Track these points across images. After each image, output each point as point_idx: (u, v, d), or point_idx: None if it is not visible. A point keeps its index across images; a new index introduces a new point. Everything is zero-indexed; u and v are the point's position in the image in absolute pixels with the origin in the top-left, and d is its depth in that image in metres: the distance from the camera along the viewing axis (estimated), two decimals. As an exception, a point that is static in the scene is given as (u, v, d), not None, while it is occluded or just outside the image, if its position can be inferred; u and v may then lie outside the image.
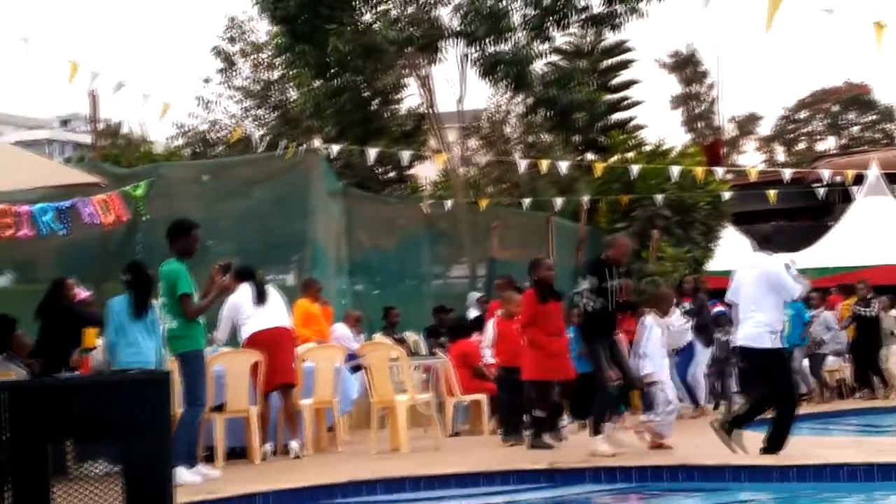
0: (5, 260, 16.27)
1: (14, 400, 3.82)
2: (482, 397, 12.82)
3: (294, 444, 10.76)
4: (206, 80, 30.38)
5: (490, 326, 11.16)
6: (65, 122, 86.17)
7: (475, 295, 16.92)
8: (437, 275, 20.83)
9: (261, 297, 10.94)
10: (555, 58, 26.54)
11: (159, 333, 9.20)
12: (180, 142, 32.23)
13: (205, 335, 9.51)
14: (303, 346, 12.09)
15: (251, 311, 10.88)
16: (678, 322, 12.90)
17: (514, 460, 10.03)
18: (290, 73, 24.16)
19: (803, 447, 9.78)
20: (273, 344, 10.68)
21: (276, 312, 10.98)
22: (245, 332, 10.92)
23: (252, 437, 10.57)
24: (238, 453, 10.80)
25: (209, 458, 10.17)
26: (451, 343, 13.53)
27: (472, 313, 15.53)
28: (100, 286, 14.06)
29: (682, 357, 14.55)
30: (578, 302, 10.37)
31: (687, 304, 14.82)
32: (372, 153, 18.49)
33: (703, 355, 14.87)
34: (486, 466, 9.67)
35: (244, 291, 10.91)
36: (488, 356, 11.05)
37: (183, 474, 8.67)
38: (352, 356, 12.68)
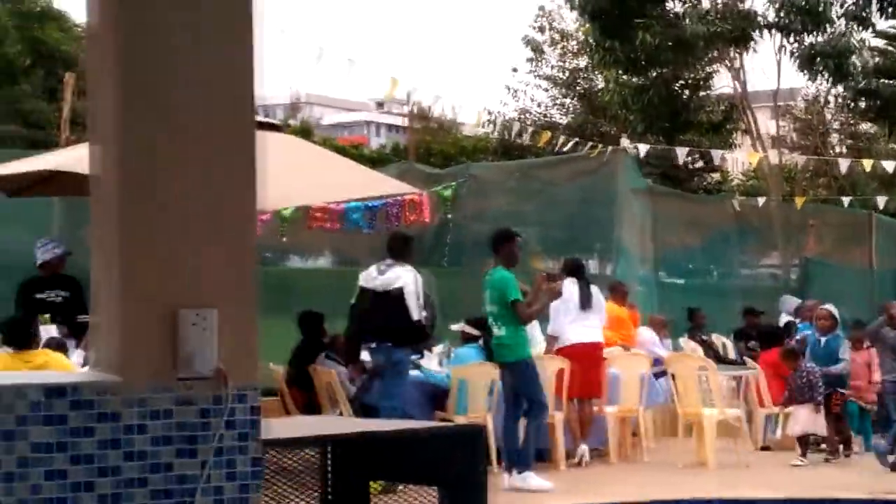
0: (324, 243, 17.23)
1: (336, 448, 3.95)
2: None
3: (583, 448, 10.67)
4: (514, 70, 30.84)
5: None
6: (380, 105, 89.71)
7: (790, 299, 16.20)
8: (744, 273, 20.13)
9: (586, 301, 10.85)
10: (879, 42, 25.01)
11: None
12: (489, 129, 32.83)
13: (529, 343, 9.65)
14: (609, 349, 12.00)
15: (574, 314, 10.73)
16: None
17: (830, 486, 9.55)
18: (598, 64, 24.07)
19: None
20: (586, 358, 10.62)
21: (595, 324, 10.86)
22: (563, 336, 10.80)
23: (556, 442, 10.58)
24: (543, 456, 10.83)
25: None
26: (763, 350, 13.03)
27: (784, 318, 14.90)
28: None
29: None
30: None
31: None
32: (680, 152, 18.06)
33: None
34: (800, 492, 9.25)
35: (570, 289, 10.72)
36: None
37: (533, 479, 9.12)
38: (657, 361, 12.46)
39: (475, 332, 10.56)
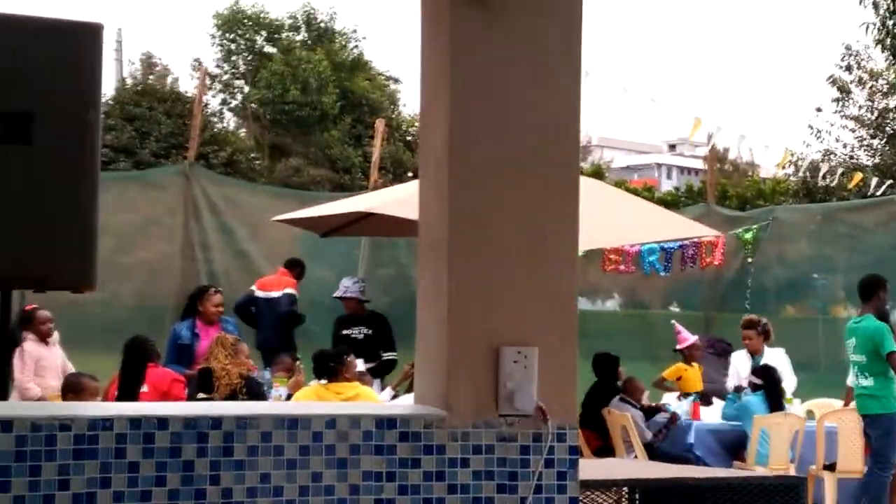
0: (612, 285, 17.22)
1: (645, 493, 3.91)
2: None
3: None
4: (818, 110, 29.75)
5: None
6: (672, 147, 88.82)
7: None
8: None
9: None
10: None
11: None
12: (789, 170, 31.76)
13: None
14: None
15: None
16: None
17: None
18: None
19: None
20: None
21: None
22: None
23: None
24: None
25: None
26: None
27: None
28: (707, 313, 14.93)
29: None
30: None
31: None
32: None
33: None
34: None
35: None
36: None
37: None
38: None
39: (759, 381, 10.32)
